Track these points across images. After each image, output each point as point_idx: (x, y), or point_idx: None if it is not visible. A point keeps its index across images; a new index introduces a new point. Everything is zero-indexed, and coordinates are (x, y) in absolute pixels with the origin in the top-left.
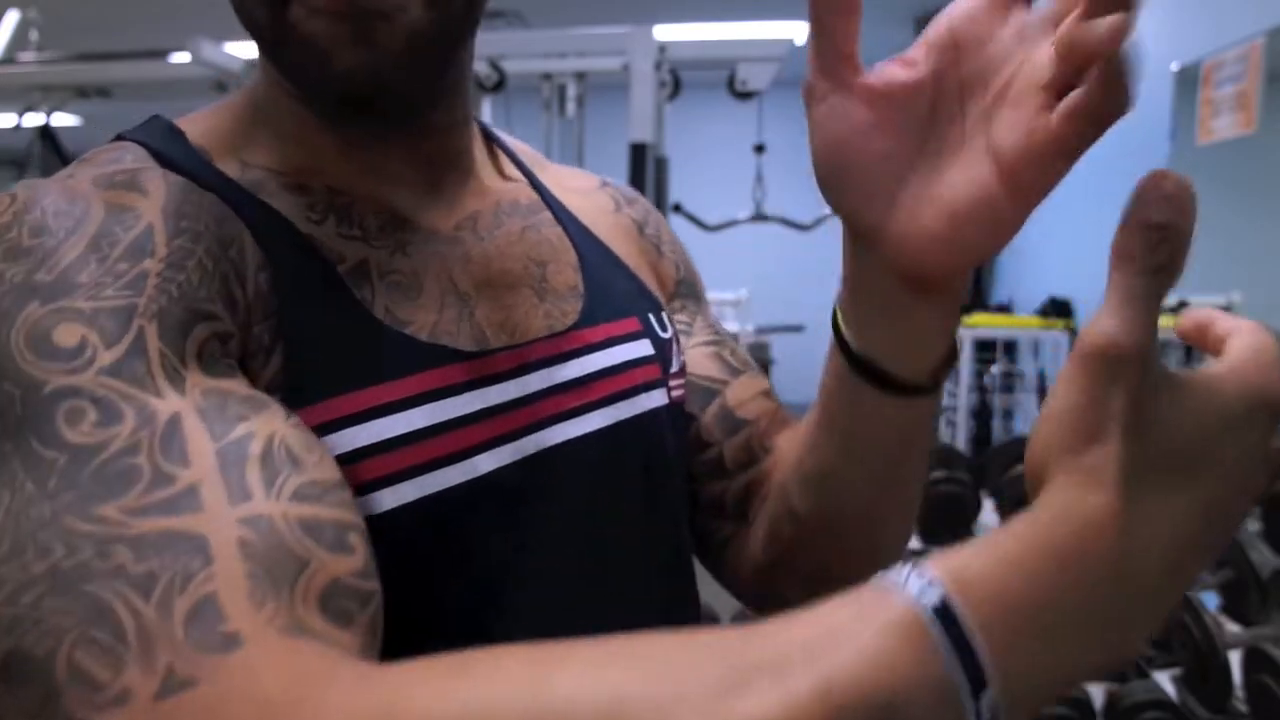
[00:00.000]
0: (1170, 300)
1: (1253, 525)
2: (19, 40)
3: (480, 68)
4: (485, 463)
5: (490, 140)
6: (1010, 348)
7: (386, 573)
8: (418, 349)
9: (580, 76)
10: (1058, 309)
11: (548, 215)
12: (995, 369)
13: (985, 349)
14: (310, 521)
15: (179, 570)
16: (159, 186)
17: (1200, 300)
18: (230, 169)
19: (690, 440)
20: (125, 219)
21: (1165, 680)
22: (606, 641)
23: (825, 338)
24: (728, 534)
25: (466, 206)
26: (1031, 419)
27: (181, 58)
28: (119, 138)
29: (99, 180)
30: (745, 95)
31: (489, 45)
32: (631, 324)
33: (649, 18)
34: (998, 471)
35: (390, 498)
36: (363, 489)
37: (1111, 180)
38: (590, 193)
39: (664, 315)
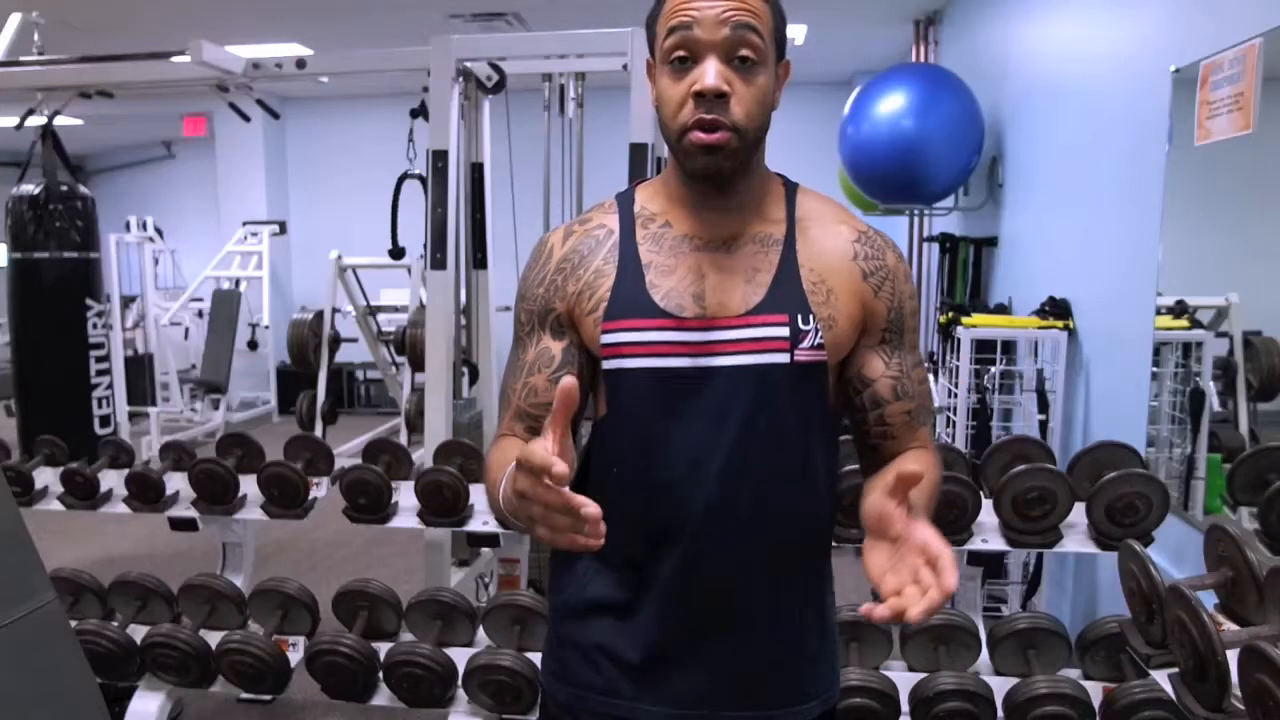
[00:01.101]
0: (1169, 300)
1: (1250, 524)
2: (22, 42)
3: (480, 68)
4: (676, 363)
5: (792, 194)
6: (1009, 348)
7: (619, 397)
8: (656, 308)
9: (580, 76)
10: (1057, 309)
11: (779, 248)
12: (994, 369)
13: (984, 349)
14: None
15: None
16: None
17: (1198, 301)
18: (638, 208)
19: (866, 402)
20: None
21: (1163, 679)
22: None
23: None
24: (864, 449)
25: (734, 233)
26: (1030, 419)
27: (183, 59)
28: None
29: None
30: None
31: (489, 45)
32: (782, 317)
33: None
34: (996, 471)
35: (632, 362)
36: (622, 357)
37: (1111, 181)
38: (841, 239)
39: (811, 316)
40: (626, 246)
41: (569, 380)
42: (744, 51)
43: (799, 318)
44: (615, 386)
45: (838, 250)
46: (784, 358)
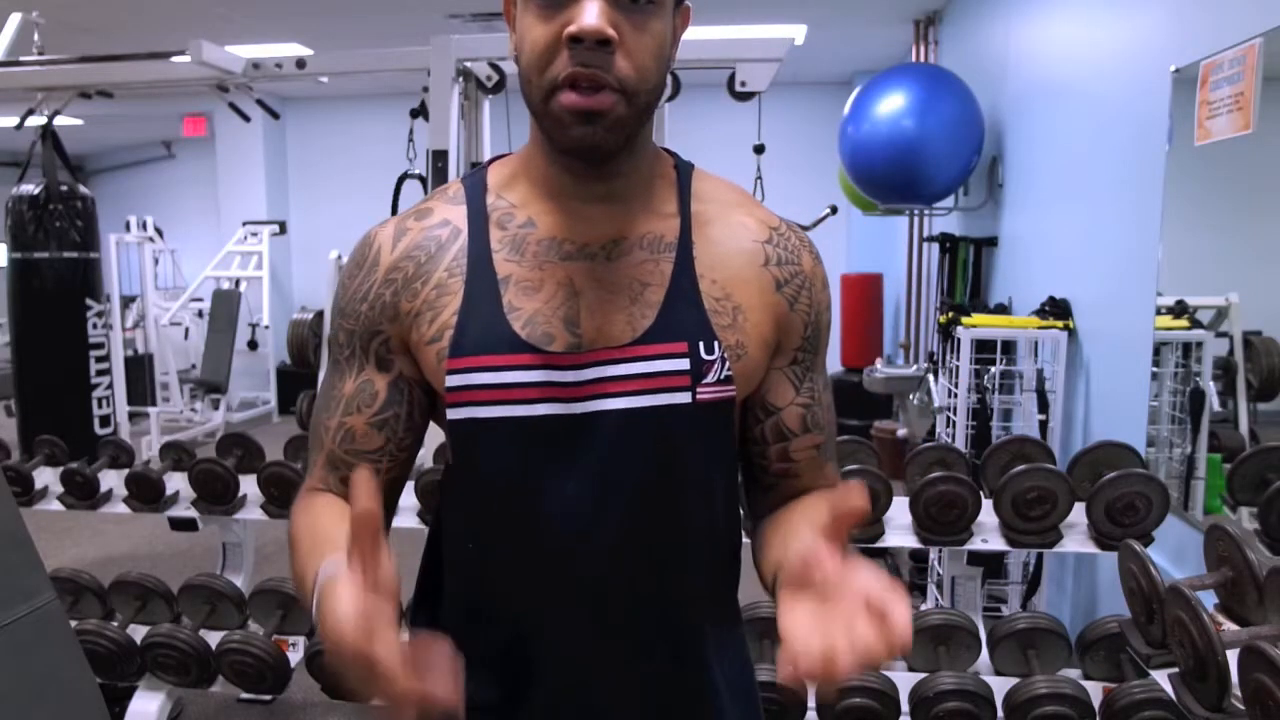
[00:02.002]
0: (1169, 300)
1: (1250, 524)
2: (22, 42)
3: (480, 68)
4: (545, 410)
5: (682, 176)
6: (1009, 348)
7: (473, 455)
8: (518, 340)
9: None
10: (1056, 309)
11: (672, 253)
12: (994, 369)
13: (984, 349)
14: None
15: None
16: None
17: (1198, 301)
18: (491, 198)
19: (768, 433)
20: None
21: (1163, 679)
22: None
23: None
24: (756, 486)
25: (616, 231)
26: (1030, 419)
27: (183, 59)
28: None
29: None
30: (745, 96)
31: (489, 45)
32: (679, 346)
33: None
34: (996, 471)
35: (486, 411)
36: (474, 405)
37: (1110, 181)
38: (748, 238)
39: (715, 342)
40: (477, 254)
41: (364, 509)
42: None
43: (700, 346)
44: (467, 441)
45: (745, 253)
46: (685, 397)
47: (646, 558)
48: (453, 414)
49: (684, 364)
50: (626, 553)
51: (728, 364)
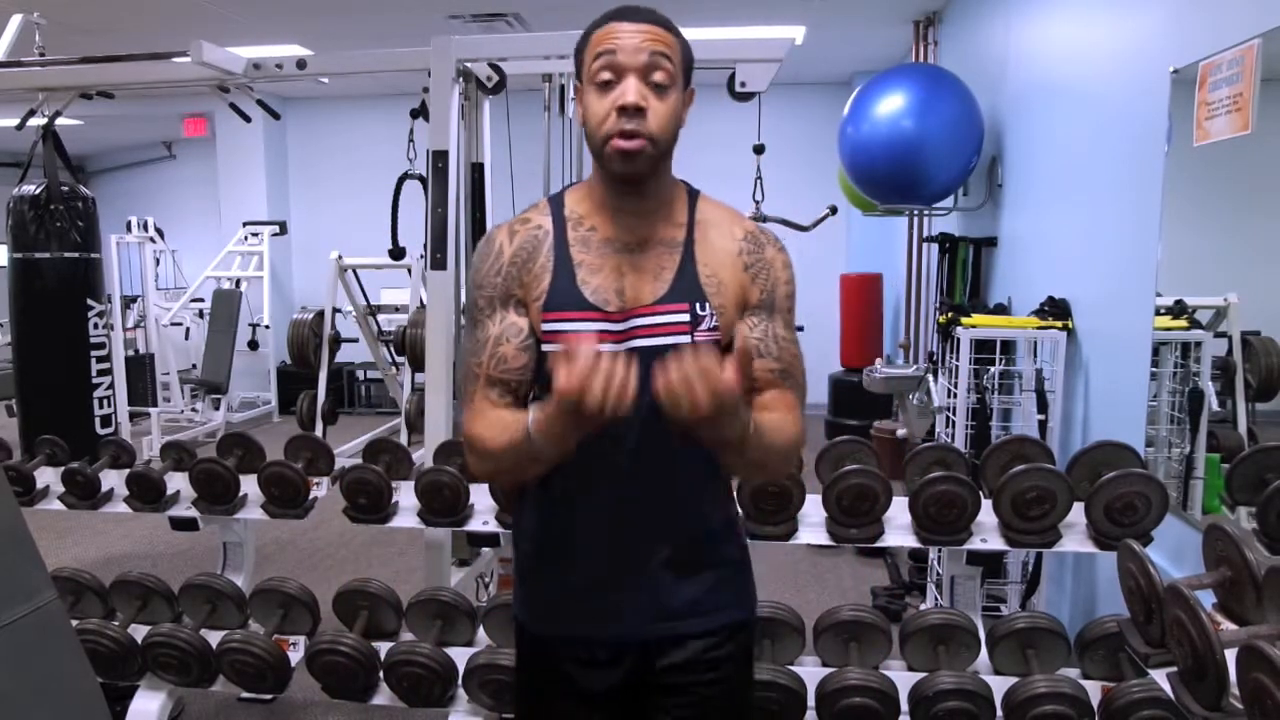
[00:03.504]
0: (1168, 300)
1: (1248, 524)
2: (23, 42)
3: (480, 69)
4: (603, 348)
5: (693, 201)
6: (1008, 348)
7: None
8: (587, 303)
9: None
10: (1056, 309)
11: (680, 250)
12: (993, 369)
13: (983, 349)
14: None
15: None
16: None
17: (1197, 301)
18: (568, 211)
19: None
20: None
21: (1161, 678)
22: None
23: (824, 336)
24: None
25: (645, 236)
26: (1030, 419)
27: (183, 60)
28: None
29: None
30: (745, 96)
31: (489, 46)
32: (683, 306)
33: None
34: (995, 471)
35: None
36: (559, 343)
37: (1110, 182)
38: (730, 238)
39: (707, 304)
40: (560, 247)
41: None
42: (657, 75)
43: (697, 305)
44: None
45: (729, 250)
46: (686, 339)
47: (662, 441)
48: (546, 347)
49: (685, 317)
50: (646, 442)
51: (714, 317)
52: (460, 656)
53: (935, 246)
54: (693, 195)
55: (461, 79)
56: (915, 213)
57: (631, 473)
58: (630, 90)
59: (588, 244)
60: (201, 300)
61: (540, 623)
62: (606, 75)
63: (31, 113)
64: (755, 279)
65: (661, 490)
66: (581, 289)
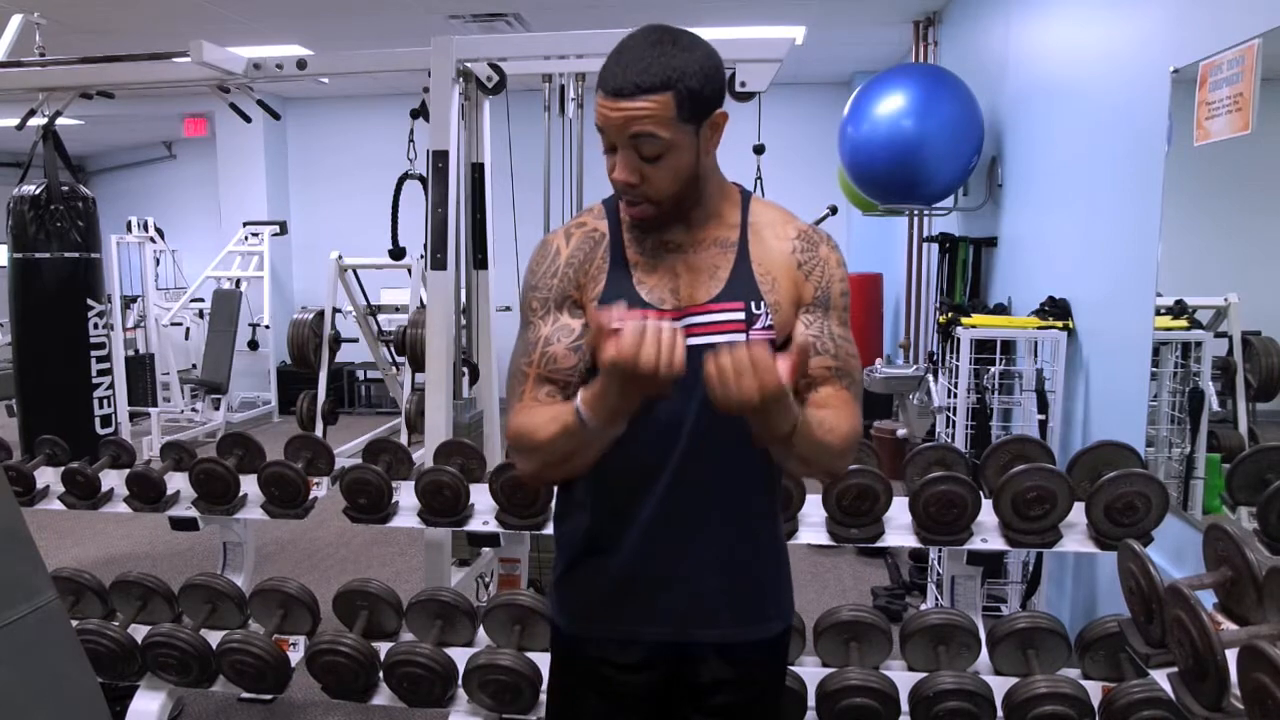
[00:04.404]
0: (1168, 300)
1: (1249, 524)
2: (23, 43)
3: (480, 69)
4: None
5: (746, 202)
6: (1008, 348)
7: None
8: (643, 302)
9: (580, 77)
10: (1056, 309)
11: (734, 249)
12: (993, 369)
13: (983, 349)
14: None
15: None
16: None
17: (1197, 301)
18: (623, 214)
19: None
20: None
21: (1162, 678)
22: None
23: None
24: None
25: (699, 238)
26: (1030, 419)
27: (183, 60)
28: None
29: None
30: (745, 96)
31: (489, 46)
32: (738, 305)
33: (648, 20)
34: (995, 471)
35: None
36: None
37: (1110, 181)
38: (783, 238)
39: (762, 302)
40: (616, 249)
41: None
42: (646, 149)
43: (752, 304)
44: None
45: (782, 250)
46: (741, 337)
47: (711, 440)
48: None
49: (741, 315)
50: (700, 437)
51: (769, 316)
52: (460, 656)
53: (935, 246)
54: (745, 196)
55: (461, 79)
56: (915, 213)
57: (682, 470)
58: (619, 168)
59: (643, 245)
60: (201, 300)
61: (580, 623)
62: (606, 141)
63: (32, 113)
64: (809, 277)
65: (712, 490)
66: (638, 289)
